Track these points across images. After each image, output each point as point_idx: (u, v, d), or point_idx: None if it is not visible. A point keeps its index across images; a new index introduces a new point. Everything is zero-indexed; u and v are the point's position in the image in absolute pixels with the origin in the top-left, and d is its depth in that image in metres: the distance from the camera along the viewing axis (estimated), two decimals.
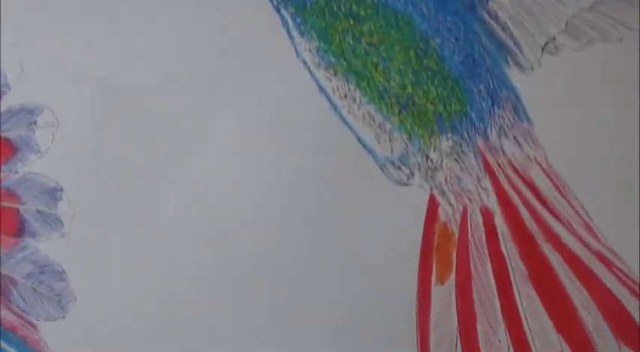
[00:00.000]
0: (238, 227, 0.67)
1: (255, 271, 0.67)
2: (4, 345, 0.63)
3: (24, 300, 0.64)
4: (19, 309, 0.64)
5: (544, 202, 0.67)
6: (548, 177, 0.67)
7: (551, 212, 0.67)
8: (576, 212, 0.67)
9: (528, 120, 0.67)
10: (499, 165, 0.66)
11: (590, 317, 0.66)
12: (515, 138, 0.67)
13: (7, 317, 0.64)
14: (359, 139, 0.68)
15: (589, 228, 0.67)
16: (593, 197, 0.67)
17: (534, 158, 0.67)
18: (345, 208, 0.67)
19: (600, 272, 0.67)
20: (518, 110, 0.66)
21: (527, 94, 0.67)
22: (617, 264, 0.67)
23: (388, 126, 0.67)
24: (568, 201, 0.67)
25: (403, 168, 0.66)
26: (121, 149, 0.66)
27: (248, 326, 0.66)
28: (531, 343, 0.66)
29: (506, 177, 0.66)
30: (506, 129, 0.67)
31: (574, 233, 0.67)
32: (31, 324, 0.64)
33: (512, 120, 0.67)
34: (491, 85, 0.67)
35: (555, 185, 0.67)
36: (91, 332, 0.65)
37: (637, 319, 0.66)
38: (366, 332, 0.67)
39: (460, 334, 0.66)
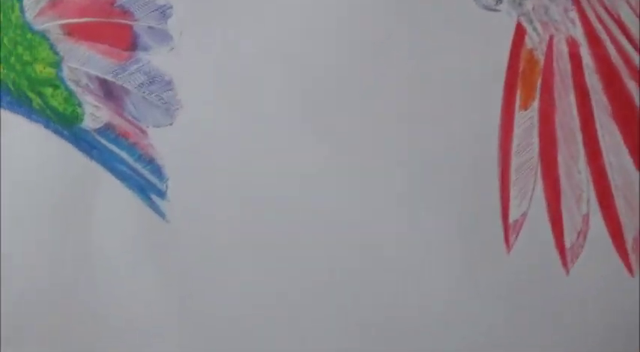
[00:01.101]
0: (314, 51, 0.67)
1: (331, 94, 0.66)
2: (116, 149, 0.66)
3: (135, 108, 0.66)
4: (131, 117, 0.66)
5: (631, 39, 0.66)
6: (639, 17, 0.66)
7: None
8: None
9: None
10: None
11: None
12: None
13: (120, 124, 0.67)
14: None
15: None
16: None
17: None
18: (431, 28, 0.67)
19: None
20: None
21: None
22: None
23: None
24: None
25: None
26: None
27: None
28: (610, 177, 0.66)
29: (594, 11, 0.66)
30: None
31: None
32: (142, 130, 0.66)
33: None
34: None
35: None
36: (196, 139, 0.66)
37: None
38: (446, 149, 0.67)
39: (541, 160, 0.66)
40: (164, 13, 0.66)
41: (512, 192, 0.66)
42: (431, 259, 0.67)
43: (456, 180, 0.67)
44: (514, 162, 0.67)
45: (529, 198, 0.66)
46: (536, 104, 0.67)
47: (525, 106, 0.66)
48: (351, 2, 0.67)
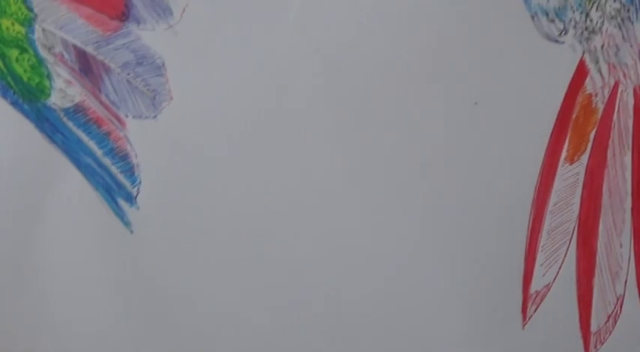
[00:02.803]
0: (356, 45, 0.56)
1: (362, 88, 0.56)
2: (84, 137, 0.57)
3: (115, 92, 0.57)
4: (108, 101, 0.57)
5: None
6: None
7: None
8: None
9: None
10: None
11: None
12: None
13: (94, 107, 0.57)
14: None
15: None
16: None
17: None
18: (481, 53, 0.57)
19: None
20: None
21: None
22: None
23: None
24: None
25: (557, 21, 0.56)
26: None
27: (349, 134, 0.56)
28: None
29: None
30: None
31: None
32: (119, 119, 0.57)
33: None
34: None
35: None
36: (182, 137, 0.56)
37: None
38: (474, 197, 0.57)
39: (579, 226, 0.57)
40: None
41: (539, 258, 0.58)
42: (437, 314, 0.58)
43: (477, 230, 0.58)
44: (547, 222, 0.58)
45: (557, 268, 0.58)
46: (585, 159, 0.58)
47: (572, 159, 0.58)
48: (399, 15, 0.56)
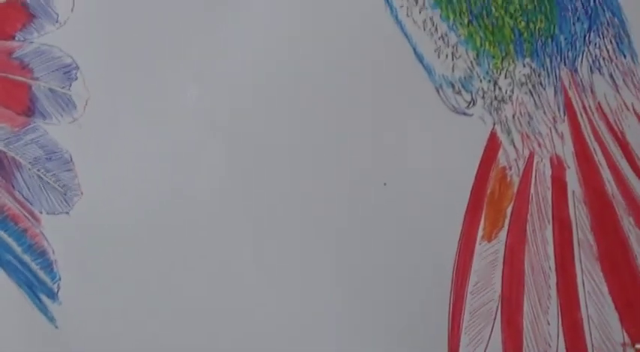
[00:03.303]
0: (258, 124, 0.56)
1: (268, 170, 0.56)
2: (3, 235, 0.58)
3: (28, 188, 0.58)
4: (22, 197, 0.58)
5: (634, 164, 0.54)
6: None
7: None
8: None
9: (634, 56, 0.54)
10: (584, 107, 0.54)
11: None
12: (611, 76, 0.54)
13: (9, 204, 0.58)
14: (414, 50, 0.54)
15: None
16: None
17: (632, 106, 0.54)
18: (385, 131, 0.55)
19: None
20: (622, 41, 0.53)
21: (637, 22, 0.53)
22: None
23: (453, 39, 0.54)
24: None
25: (464, 92, 0.54)
26: (145, 30, 0.57)
27: (260, 219, 0.56)
28: (587, 334, 0.55)
29: (591, 124, 0.54)
30: (601, 63, 0.53)
31: None
32: (34, 216, 0.58)
33: (611, 53, 0.54)
34: (592, 2, 0.53)
35: None
36: (96, 231, 0.57)
37: None
38: (392, 284, 0.56)
39: (502, 305, 0.55)
40: (69, 74, 0.57)
41: (463, 341, 0.56)
42: None
43: (398, 315, 0.56)
44: (469, 303, 0.56)
45: (483, 349, 0.55)
46: (503, 235, 0.55)
47: (490, 237, 0.55)
48: (306, 77, 0.57)
